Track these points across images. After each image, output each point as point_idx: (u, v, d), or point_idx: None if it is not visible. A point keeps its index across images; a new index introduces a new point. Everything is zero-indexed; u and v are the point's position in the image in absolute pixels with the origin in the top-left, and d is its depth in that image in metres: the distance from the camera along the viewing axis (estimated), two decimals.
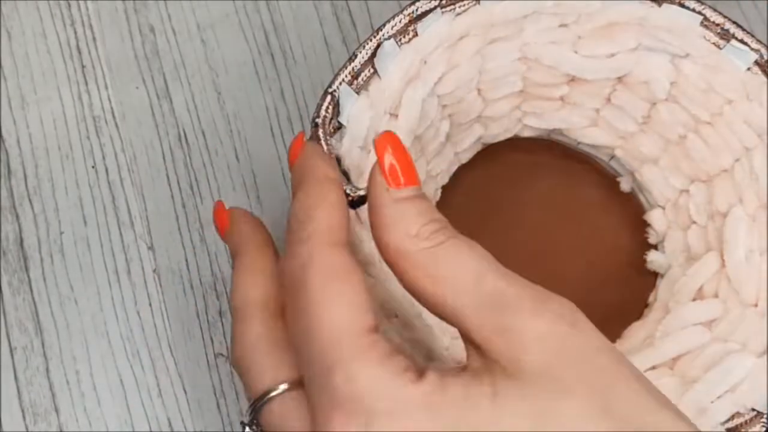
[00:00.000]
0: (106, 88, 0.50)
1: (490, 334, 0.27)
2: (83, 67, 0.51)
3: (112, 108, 0.50)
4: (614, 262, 0.46)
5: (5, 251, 0.48)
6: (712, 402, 0.37)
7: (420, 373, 0.27)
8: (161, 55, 0.51)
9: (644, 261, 0.45)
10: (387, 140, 0.30)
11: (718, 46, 0.40)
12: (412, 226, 0.29)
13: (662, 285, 0.44)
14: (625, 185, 0.46)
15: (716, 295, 0.41)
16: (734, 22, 0.39)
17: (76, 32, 0.51)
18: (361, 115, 0.37)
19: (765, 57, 0.39)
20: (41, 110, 0.50)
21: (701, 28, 0.40)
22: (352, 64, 0.38)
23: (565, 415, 0.26)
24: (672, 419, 0.27)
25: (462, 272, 0.28)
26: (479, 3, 0.39)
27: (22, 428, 0.46)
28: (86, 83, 0.50)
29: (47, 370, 0.47)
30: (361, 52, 0.38)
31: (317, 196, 0.30)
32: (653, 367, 0.40)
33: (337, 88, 0.37)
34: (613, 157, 0.46)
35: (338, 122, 0.37)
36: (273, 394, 0.30)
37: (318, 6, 0.51)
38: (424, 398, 0.26)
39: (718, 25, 0.40)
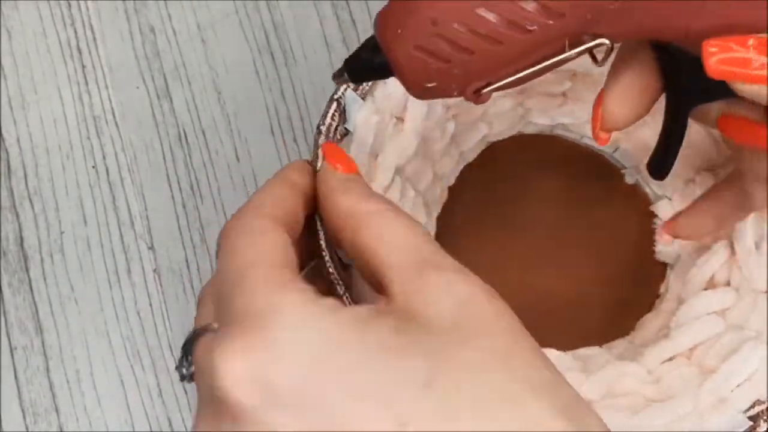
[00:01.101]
0: (107, 88, 0.50)
1: (410, 286, 0.29)
2: (83, 67, 0.51)
3: (112, 108, 0.50)
4: (623, 254, 0.46)
5: (5, 251, 0.48)
6: (731, 391, 0.37)
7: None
8: (161, 55, 0.51)
9: (653, 252, 0.45)
10: (327, 145, 0.35)
11: None
12: (363, 194, 0.32)
13: (673, 275, 0.44)
14: (630, 177, 0.46)
15: (728, 284, 0.41)
16: None
17: (76, 32, 0.51)
18: (367, 121, 0.37)
19: None
20: (41, 110, 0.50)
21: None
22: None
23: (462, 360, 0.27)
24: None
25: (402, 238, 0.30)
26: None
27: (22, 428, 0.46)
28: (86, 83, 0.50)
29: (47, 369, 0.47)
30: None
31: (271, 185, 0.34)
32: (671, 358, 0.40)
33: (343, 94, 0.37)
34: (617, 149, 0.46)
35: (345, 129, 0.37)
36: (209, 327, 0.30)
37: (318, 6, 0.51)
38: (323, 313, 0.27)
39: None
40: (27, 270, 0.48)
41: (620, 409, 0.38)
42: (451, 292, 0.29)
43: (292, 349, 0.27)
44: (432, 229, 0.44)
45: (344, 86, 0.37)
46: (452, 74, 0.30)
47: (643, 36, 0.30)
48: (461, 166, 0.45)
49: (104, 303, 0.48)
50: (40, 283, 0.48)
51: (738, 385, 0.37)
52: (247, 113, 0.50)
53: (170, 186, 0.49)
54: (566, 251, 0.46)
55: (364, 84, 0.38)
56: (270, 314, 0.27)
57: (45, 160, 0.49)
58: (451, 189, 0.45)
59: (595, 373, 0.39)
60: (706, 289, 0.42)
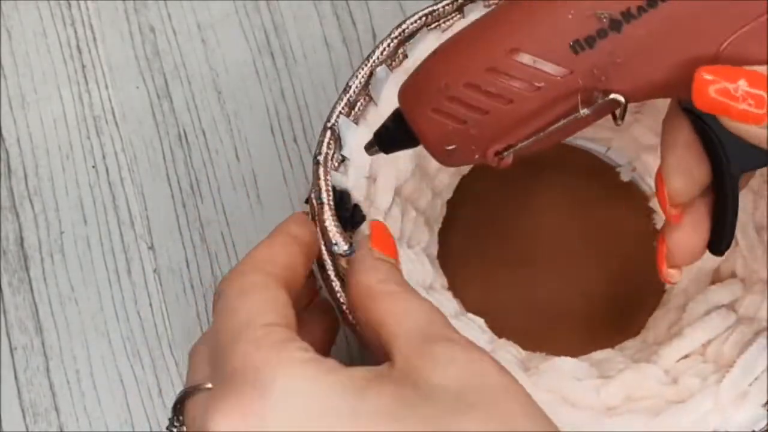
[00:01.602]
0: (107, 87, 0.50)
1: (415, 353, 0.29)
2: (83, 66, 0.51)
3: (112, 108, 0.50)
4: (625, 252, 0.46)
5: (5, 251, 0.48)
6: (750, 385, 0.37)
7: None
8: (161, 54, 0.51)
9: (655, 248, 0.46)
10: (378, 223, 0.36)
11: None
12: (383, 275, 0.33)
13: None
14: (625, 175, 0.47)
15: (734, 275, 0.41)
16: None
17: (76, 32, 0.51)
18: (363, 146, 0.37)
19: None
20: (41, 110, 0.50)
21: None
22: (347, 95, 0.38)
23: (462, 428, 0.27)
24: None
25: (414, 314, 0.31)
26: (464, 16, 0.39)
27: (22, 428, 0.46)
28: (86, 83, 0.50)
29: (47, 369, 0.47)
30: (354, 82, 0.38)
31: (270, 240, 0.34)
32: (686, 356, 0.40)
33: (336, 121, 0.37)
34: (609, 148, 0.46)
35: (341, 156, 0.37)
36: (202, 386, 0.30)
37: (318, 6, 0.51)
38: (319, 375, 0.28)
39: None
40: (27, 270, 0.48)
41: (641, 413, 0.38)
42: (458, 361, 0.29)
43: (285, 412, 0.27)
44: (434, 245, 0.44)
45: (337, 112, 0.37)
46: (470, 135, 0.31)
47: (658, 93, 0.31)
48: (457, 179, 0.45)
49: (104, 303, 0.48)
50: (40, 283, 0.48)
51: (756, 378, 0.37)
52: (247, 113, 0.50)
53: (170, 186, 0.49)
54: (568, 253, 0.46)
55: (357, 108, 0.38)
56: (264, 376, 0.27)
57: (45, 160, 0.49)
58: (449, 203, 0.45)
59: (615, 378, 0.39)
60: (713, 281, 0.42)
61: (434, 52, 0.32)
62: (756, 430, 0.37)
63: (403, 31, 0.38)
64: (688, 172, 0.32)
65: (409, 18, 0.38)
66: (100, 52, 0.51)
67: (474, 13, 0.39)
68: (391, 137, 0.34)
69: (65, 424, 0.46)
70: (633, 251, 0.46)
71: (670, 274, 0.35)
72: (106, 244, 0.48)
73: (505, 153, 0.32)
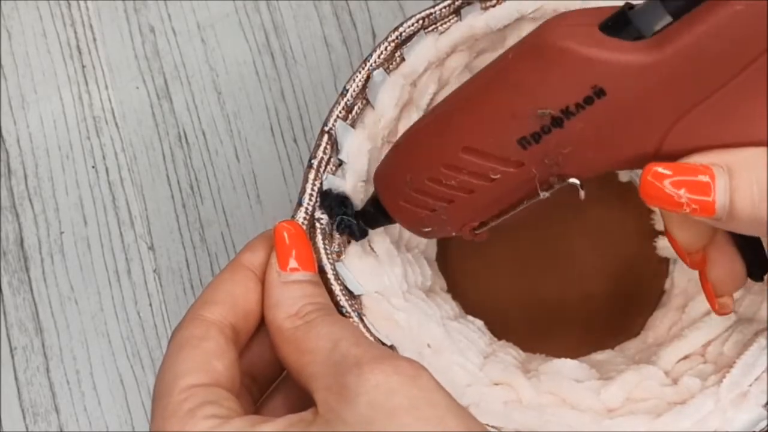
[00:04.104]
0: (107, 88, 0.50)
1: (328, 393, 0.29)
2: (83, 67, 0.51)
3: (112, 108, 0.50)
4: (625, 252, 0.46)
5: (5, 251, 0.48)
6: (750, 385, 0.37)
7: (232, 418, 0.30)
8: (161, 55, 0.51)
9: (654, 248, 0.45)
10: (285, 227, 0.34)
11: None
12: (293, 307, 0.33)
13: (677, 270, 0.44)
14: (623, 175, 0.46)
15: None
16: None
17: (76, 32, 0.51)
18: (360, 149, 0.37)
19: None
20: (41, 110, 0.50)
21: None
22: (345, 99, 0.37)
23: None
24: None
25: (321, 343, 0.31)
26: (461, 19, 0.39)
27: (22, 428, 0.46)
28: (86, 83, 0.50)
29: (47, 369, 0.47)
30: (351, 86, 0.38)
31: (220, 278, 0.34)
32: (685, 357, 0.40)
33: (333, 125, 0.37)
34: None
35: (338, 159, 0.37)
36: None
37: (318, 6, 0.51)
38: None
39: None
40: (27, 270, 0.48)
41: (641, 414, 0.38)
42: (365, 387, 0.29)
43: None
44: (433, 248, 0.44)
45: (334, 116, 0.37)
46: (442, 220, 0.33)
47: (614, 169, 0.32)
48: None
49: (104, 303, 0.48)
50: (40, 283, 0.48)
51: (756, 378, 0.37)
52: (247, 113, 0.50)
53: (170, 186, 0.49)
54: (568, 254, 0.46)
55: (354, 112, 0.38)
56: None
57: (45, 160, 0.49)
58: None
59: (615, 379, 0.39)
60: None
61: (397, 145, 0.34)
62: (756, 430, 0.37)
63: (400, 34, 0.38)
64: (691, 223, 0.32)
65: (406, 21, 0.38)
66: (100, 52, 0.51)
67: (471, 16, 0.39)
68: (373, 218, 0.36)
69: (65, 425, 0.46)
70: (633, 252, 0.46)
71: (723, 305, 0.35)
72: (106, 244, 0.48)
73: (478, 231, 0.34)
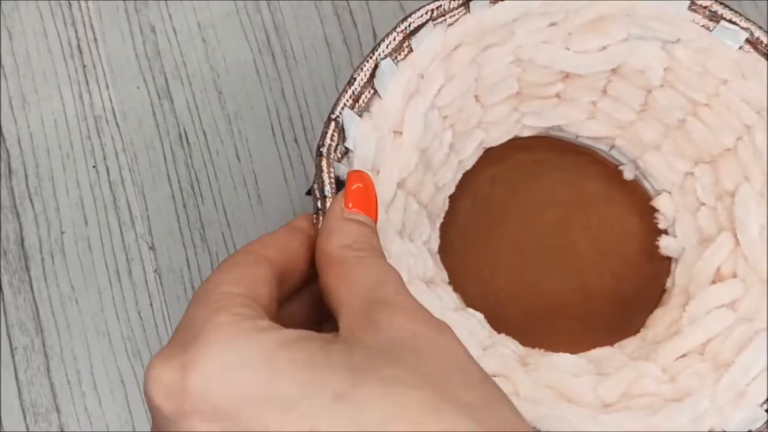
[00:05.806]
0: (107, 87, 0.50)
1: (355, 321, 0.30)
2: (84, 66, 0.51)
3: (113, 108, 0.50)
4: (626, 250, 0.46)
5: (6, 251, 0.48)
6: (747, 384, 0.37)
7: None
8: (162, 54, 0.51)
9: (656, 247, 0.45)
10: (358, 176, 0.36)
11: (708, 29, 0.40)
12: (347, 238, 0.33)
13: (678, 269, 0.44)
14: (628, 173, 0.47)
15: (735, 275, 0.41)
16: (722, 3, 0.40)
17: (77, 32, 0.51)
18: (366, 138, 0.38)
19: (755, 35, 0.40)
20: (42, 110, 0.50)
21: (690, 13, 0.40)
22: (352, 88, 0.38)
23: (384, 376, 0.27)
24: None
25: (364, 279, 0.32)
26: (469, 12, 0.39)
27: (22, 428, 0.46)
28: (87, 83, 0.50)
29: (48, 369, 0.47)
30: (359, 75, 0.38)
31: (276, 230, 0.35)
32: (684, 355, 0.40)
33: (340, 113, 0.37)
34: (613, 146, 0.46)
35: (345, 147, 0.37)
36: None
37: (319, 6, 0.51)
38: (249, 331, 0.29)
39: (705, 7, 0.40)
40: (27, 270, 0.48)
41: (638, 410, 0.38)
42: (393, 325, 0.29)
43: (207, 360, 0.28)
44: (435, 239, 0.44)
45: (341, 104, 0.38)
46: None
47: None
48: (460, 174, 0.45)
49: (105, 303, 0.48)
50: (41, 283, 0.48)
51: (754, 378, 0.37)
52: (247, 113, 0.50)
53: (171, 186, 0.49)
54: (569, 250, 0.46)
55: (361, 101, 0.38)
56: (198, 332, 0.29)
57: (45, 160, 0.49)
58: (451, 197, 0.45)
59: (612, 375, 0.39)
60: (713, 281, 0.42)
61: None
62: (753, 429, 0.37)
63: (409, 24, 0.38)
64: None
65: (415, 12, 0.38)
66: (100, 52, 0.51)
67: (479, 9, 0.39)
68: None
69: (66, 424, 0.46)
70: (634, 250, 0.46)
71: None
72: (107, 244, 0.48)
73: None
